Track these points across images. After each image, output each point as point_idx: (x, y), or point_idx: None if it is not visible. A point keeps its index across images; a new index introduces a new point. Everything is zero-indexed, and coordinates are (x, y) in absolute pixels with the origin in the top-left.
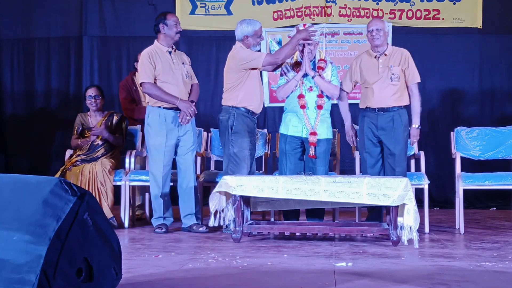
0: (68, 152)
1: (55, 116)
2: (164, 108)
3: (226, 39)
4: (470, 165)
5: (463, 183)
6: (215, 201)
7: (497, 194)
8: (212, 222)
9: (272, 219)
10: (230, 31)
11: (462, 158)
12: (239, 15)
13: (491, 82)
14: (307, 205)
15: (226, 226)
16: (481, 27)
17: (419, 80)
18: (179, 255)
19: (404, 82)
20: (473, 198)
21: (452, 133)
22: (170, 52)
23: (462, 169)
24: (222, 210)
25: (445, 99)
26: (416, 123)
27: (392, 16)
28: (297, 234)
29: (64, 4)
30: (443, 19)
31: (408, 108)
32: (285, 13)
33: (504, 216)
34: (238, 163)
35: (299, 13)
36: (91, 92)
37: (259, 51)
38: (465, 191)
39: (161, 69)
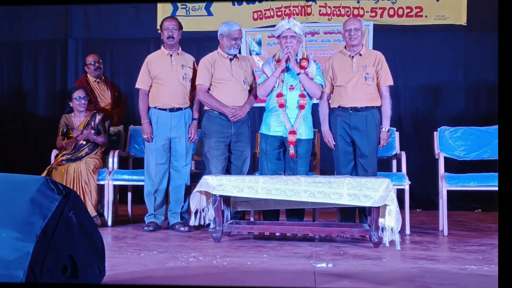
0: (54, 152)
1: (42, 116)
2: (158, 108)
3: (206, 40)
4: (454, 166)
5: (447, 184)
6: (195, 201)
7: (482, 196)
8: (192, 222)
9: (252, 219)
10: (210, 31)
11: (446, 158)
12: (219, 16)
13: (476, 80)
14: (287, 206)
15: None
16: (465, 24)
17: (391, 83)
18: (160, 253)
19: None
20: (457, 200)
21: (435, 132)
22: (171, 55)
23: (446, 170)
24: (203, 210)
25: (428, 97)
26: (386, 126)
27: (373, 14)
28: (277, 234)
29: (50, 8)
30: (426, 16)
31: (380, 109)
32: (265, 13)
33: (489, 218)
34: (207, 163)
35: (279, 13)
36: (79, 93)
37: (240, 52)
38: (448, 192)
39: (158, 71)
